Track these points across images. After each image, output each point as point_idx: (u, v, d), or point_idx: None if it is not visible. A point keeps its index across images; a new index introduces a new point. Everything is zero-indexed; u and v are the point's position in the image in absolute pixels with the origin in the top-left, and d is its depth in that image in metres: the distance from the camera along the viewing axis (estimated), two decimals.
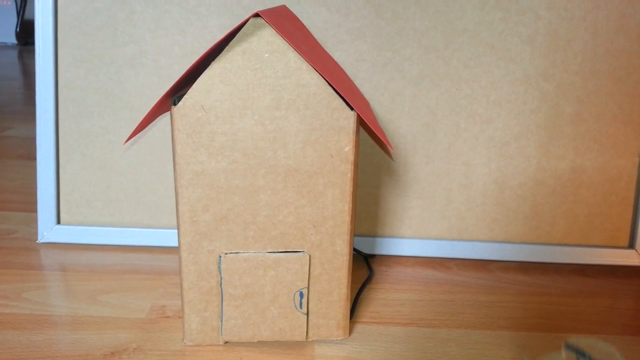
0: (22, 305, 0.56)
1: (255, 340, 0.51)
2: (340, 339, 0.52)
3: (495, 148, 0.67)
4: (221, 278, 0.48)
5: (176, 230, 0.66)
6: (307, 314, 0.50)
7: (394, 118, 0.66)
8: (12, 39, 2.59)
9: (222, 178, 0.46)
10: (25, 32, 2.58)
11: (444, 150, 0.67)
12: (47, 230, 0.68)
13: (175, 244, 0.68)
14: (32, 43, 2.54)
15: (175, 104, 0.45)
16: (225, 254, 0.48)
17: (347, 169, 0.47)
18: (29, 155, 1.02)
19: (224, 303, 0.49)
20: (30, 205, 0.79)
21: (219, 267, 0.48)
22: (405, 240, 0.69)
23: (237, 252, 0.48)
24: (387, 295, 0.61)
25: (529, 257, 0.69)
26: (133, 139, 0.67)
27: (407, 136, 0.67)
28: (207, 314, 0.49)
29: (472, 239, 0.69)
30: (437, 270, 0.67)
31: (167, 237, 0.69)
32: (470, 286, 0.63)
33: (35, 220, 0.69)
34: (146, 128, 0.66)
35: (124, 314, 0.55)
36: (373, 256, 0.69)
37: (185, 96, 0.44)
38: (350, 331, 0.53)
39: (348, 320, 0.52)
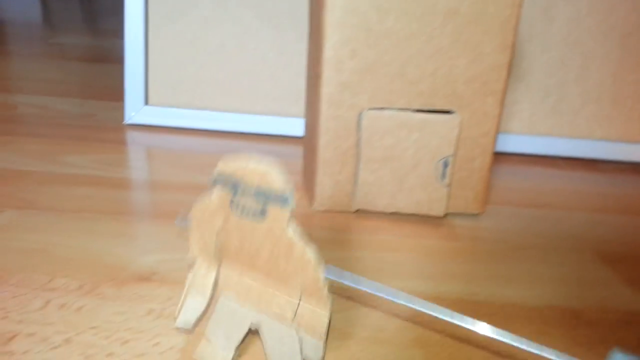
0: (111, 170, 0.52)
1: (389, 211, 0.47)
2: (476, 212, 0.48)
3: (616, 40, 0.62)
4: (361, 137, 0.44)
5: (272, 117, 0.62)
6: (450, 186, 0.46)
7: None
8: None
9: (374, 18, 0.41)
10: None
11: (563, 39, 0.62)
12: (135, 111, 0.64)
13: (271, 131, 0.63)
14: None
15: None
16: (368, 109, 0.44)
17: (512, 15, 0.42)
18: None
19: (360, 166, 0.45)
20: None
21: (358, 124, 0.44)
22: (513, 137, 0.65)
23: (381, 108, 0.44)
24: (510, 185, 0.57)
25: None
26: (227, 13, 0.62)
27: (522, 24, 0.62)
28: (341, 177, 0.45)
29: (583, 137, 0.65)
30: (547, 167, 0.63)
31: (262, 124, 0.64)
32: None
33: (118, 108, 0.65)
34: None
35: None
36: None
37: None
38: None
39: (487, 193, 0.48)
